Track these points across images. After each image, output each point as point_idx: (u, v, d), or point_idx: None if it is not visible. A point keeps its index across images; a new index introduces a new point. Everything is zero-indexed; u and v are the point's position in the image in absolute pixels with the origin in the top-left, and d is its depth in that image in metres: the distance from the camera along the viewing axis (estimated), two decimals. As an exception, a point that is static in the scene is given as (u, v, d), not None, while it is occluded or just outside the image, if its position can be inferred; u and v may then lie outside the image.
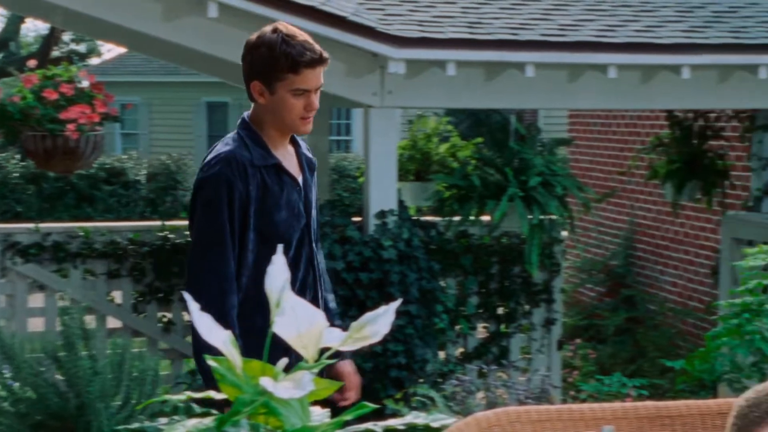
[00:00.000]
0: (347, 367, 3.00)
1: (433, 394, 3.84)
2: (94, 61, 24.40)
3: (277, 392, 1.30)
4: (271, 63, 2.66)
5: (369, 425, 1.60)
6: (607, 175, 10.07)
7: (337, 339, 1.56)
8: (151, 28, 5.08)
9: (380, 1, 5.45)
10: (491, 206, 5.34)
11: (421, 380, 5.08)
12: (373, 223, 5.22)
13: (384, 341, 5.01)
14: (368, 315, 1.59)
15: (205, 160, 2.78)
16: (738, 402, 2.23)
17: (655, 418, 2.46)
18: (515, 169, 5.43)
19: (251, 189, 2.70)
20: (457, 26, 5.21)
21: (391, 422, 1.66)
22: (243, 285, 2.75)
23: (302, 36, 2.71)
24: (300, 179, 2.83)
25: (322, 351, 1.44)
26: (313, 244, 2.85)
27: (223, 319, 2.65)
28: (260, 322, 2.66)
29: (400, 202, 5.65)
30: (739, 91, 5.62)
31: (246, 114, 2.82)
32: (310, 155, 2.93)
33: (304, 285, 2.82)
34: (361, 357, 5.00)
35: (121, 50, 19.37)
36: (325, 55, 2.71)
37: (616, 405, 2.49)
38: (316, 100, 2.71)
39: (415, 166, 6.48)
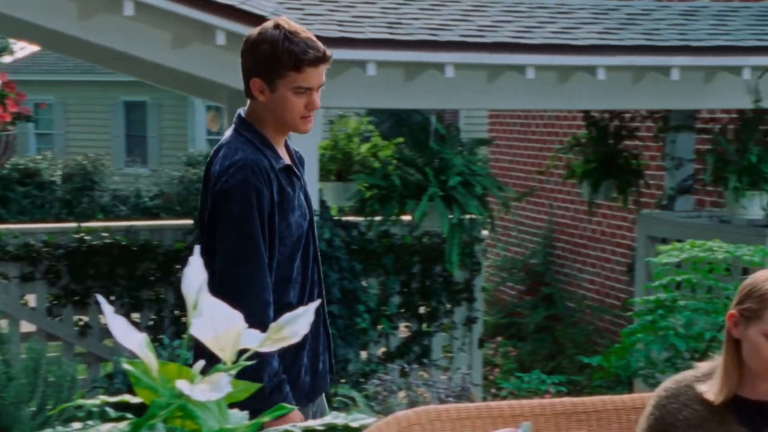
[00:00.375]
0: None
1: (354, 394, 3.84)
2: (5, 59, 23.83)
3: (193, 395, 1.29)
4: (273, 60, 2.58)
5: (288, 426, 1.59)
6: (527, 175, 10.20)
7: (255, 340, 1.55)
8: (66, 27, 4.98)
9: (300, 1, 5.43)
10: (412, 206, 5.37)
11: (343, 380, 5.07)
12: (293, 223, 5.20)
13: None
14: (287, 315, 1.58)
15: (218, 167, 2.64)
16: (657, 392, 2.29)
17: (571, 414, 2.50)
18: (435, 169, 5.46)
19: (274, 195, 2.63)
20: (376, 26, 5.22)
21: (310, 423, 1.66)
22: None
23: (305, 33, 2.63)
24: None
25: (242, 352, 1.43)
26: (317, 242, 2.81)
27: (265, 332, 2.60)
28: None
29: (322, 203, 5.64)
30: (652, 91, 5.75)
31: (241, 111, 2.72)
32: (296, 149, 2.88)
33: (312, 283, 2.76)
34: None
35: (35, 48, 18.94)
36: (329, 53, 2.63)
37: (534, 402, 2.52)
38: (317, 98, 2.65)
39: (336, 166, 6.47)
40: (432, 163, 5.51)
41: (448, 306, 6.39)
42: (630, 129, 7.37)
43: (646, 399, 2.56)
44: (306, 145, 5.26)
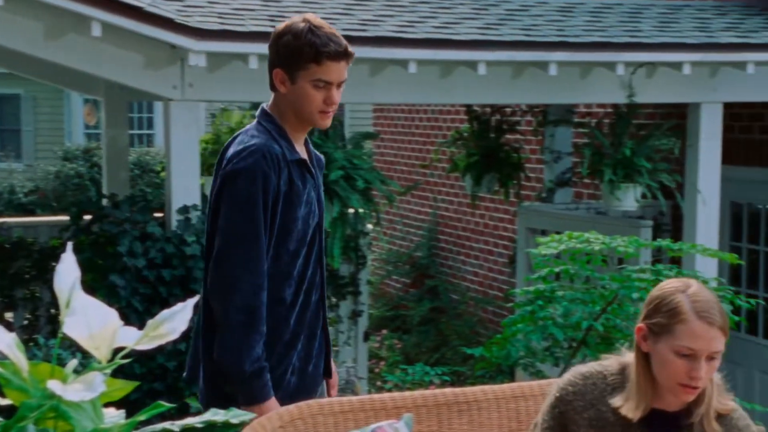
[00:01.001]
0: (333, 378, 2.96)
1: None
2: None
3: (66, 395, 1.25)
4: (295, 51, 2.60)
5: (166, 424, 1.57)
6: (411, 169, 10.28)
7: (132, 338, 1.52)
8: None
9: (180, -8, 5.34)
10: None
11: (227, 376, 5.02)
12: (175, 218, 5.11)
13: (188, 338, 4.92)
14: (165, 312, 1.56)
15: (231, 151, 2.65)
16: (561, 385, 2.23)
17: (453, 404, 2.53)
18: (318, 162, 5.45)
19: (281, 184, 2.62)
20: (258, 19, 5.18)
21: (190, 420, 1.63)
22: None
23: (330, 28, 2.66)
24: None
25: (117, 351, 1.40)
26: (323, 244, 2.80)
27: (253, 315, 2.57)
28: (272, 316, 2.64)
29: (204, 197, 5.56)
30: (531, 86, 5.86)
31: (265, 105, 2.73)
32: (318, 153, 2.87)
33: (312, 284, 2.75)
34: (164, 356, 4.89)
35: None
36: (351, 50, 2.65)
37: (417, 393, 2.54)
38: (336, 94, 2.64)
39: (219, 160, 6.39)
40: (315, 157, 5.50)
41: (334, 300, 6.39)
42: (511, 123, 7.51)
43: (525, 388, 2.62)
44: (186, 139, 5.20)
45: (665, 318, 2.12)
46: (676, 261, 6.06)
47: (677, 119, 6.70)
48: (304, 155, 2.71)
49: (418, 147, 10.47)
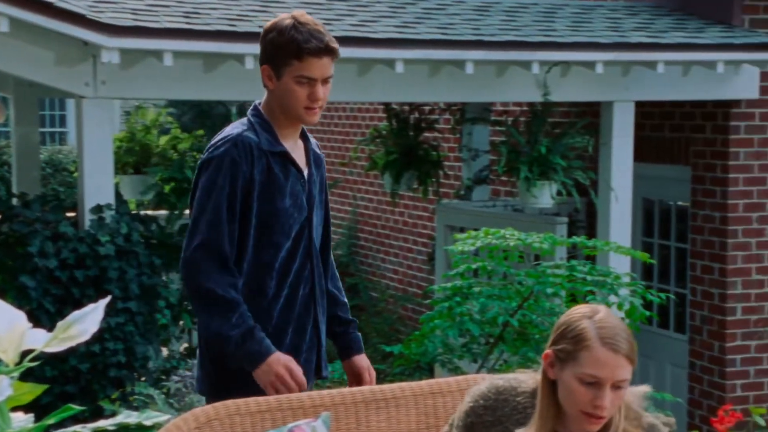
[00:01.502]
0: (363, 361, 2.95)
1: (152, 392, 3.75)
2: None
3: (-31, 400, 1.22)
4: (278, 48, 2.64)
5: (77, 427, 1.54)
6: (331, 167, 10.27)
7: (41, 340, 1.48)
8: None
9: (92, -12, 5.24)
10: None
11: (143, 379, 4.95)
12: (89, 218, 5.02)
13: (102, 340, 4.85)
14: (75, 313, 1.52)
15: (212, 142, 2.73)
16: (475, 396, 2.22)
17: (371, 401, 2.53)
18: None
19: (255, 173, 2.66)
20: (172, 16, 5.11)
21: (101, 423, 1.60)
22: (243, 270, 2.70)
23: (315, 25, 2.67)
24: (306, 173, 2.79)
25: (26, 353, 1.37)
26: (314, 239, 2.79)
27: (216, 293, 2.60)
28: (253, 308, 2.66)
29: (119, 196, 5.47)
30: (448, 84, 5.90)
31: (258, 101, 2.78)
32: (319, 152, 2.89)
33: (299, 277, 2.76)
34: (77, 358, 4.80)
35: None
36: (333, 45, 2.65)
37: (334, 392, 2.54)
38: (320, 90, 2.66)
39: (134, 158, 6.30)
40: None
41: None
42: (429, 121, 7.55)
43: (443, 384, 2.63)
44: (100, 137, 5.11)
45: (570, 344, 2.06)
46: (591, 257, 6.17)
47: (591, 117, 6.82)
48: (291, 149, 2.74)
49: (337, 145, 10.46)
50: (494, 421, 2.18)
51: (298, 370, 2.62)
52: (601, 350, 2.03)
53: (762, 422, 5.09)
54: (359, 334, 2.99)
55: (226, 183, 2.63)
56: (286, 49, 2.62)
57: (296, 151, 2.78)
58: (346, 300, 3.00)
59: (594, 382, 2.04)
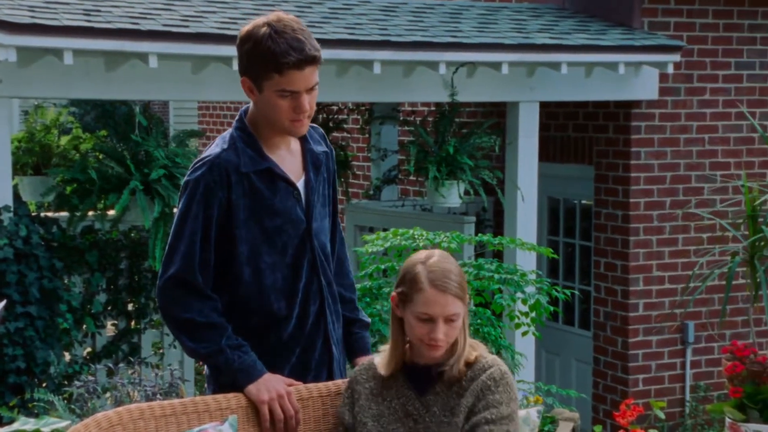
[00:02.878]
0: None
1: (52, 398, 3.65)
2: None
3: None
4: (256, 61, 2.44)
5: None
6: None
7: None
8: None
9: (-12, -17, 5.08)
10: (114, 200, 5.18)
11: (44, 384, 4.82)
12: (-14, 220, 4.86)
13: (1, 345, 4.70)
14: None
15: (194, 160, 2.58)
16: (357, 367, 2.56)
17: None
18: (138, 161, 5.30)
19: (234, 197, 2.51)
20: (73, 13, 4.99)
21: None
22: (244, 295, 2.56)
23: (293, 32, 2.44)
24: (301, 181, 2.62)
25: None
26: (317, 251, 2.62)
27: (206, 324, 2.50)
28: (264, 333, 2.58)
29: (17, 197, 5.32)
30: (356, 84, 5.90)
31: (244, 109, 2.61)
32: (319, 149, 2.67)
33: (307, 294, 2.62)
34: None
35: None
36: (314, 53, 2.44)
37: (240, 395, 2.50)
38: (306, 101, 2.47)
39: (34, 159, 6.13)
40: (136, 155, 5.35)
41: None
42: (337, 121, 7.54)
43: (341, 385, 2.63)
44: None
45: (407, 288, 2.39)
46: (498, 254, 6.24)
47: (497, 118, 6.90)
48: (280, 162, 2.58)
49: (245, 145, 10.36)
50: (368, 378, 2.49)
51: (296, 403, 2.49)
52: (431, 292, 2.36)
53: (662, 415, 5.22)
54: (366, 333, 2.82)
55: (200, 210, 2.50)
56: (263, 62, 2.43)
57: (288, 159, 2.61)
58: (354, 296, 2.84)
59: (428, 318, 2.37)
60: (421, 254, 2.43)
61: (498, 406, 2.35)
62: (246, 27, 2.52)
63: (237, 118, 2.63)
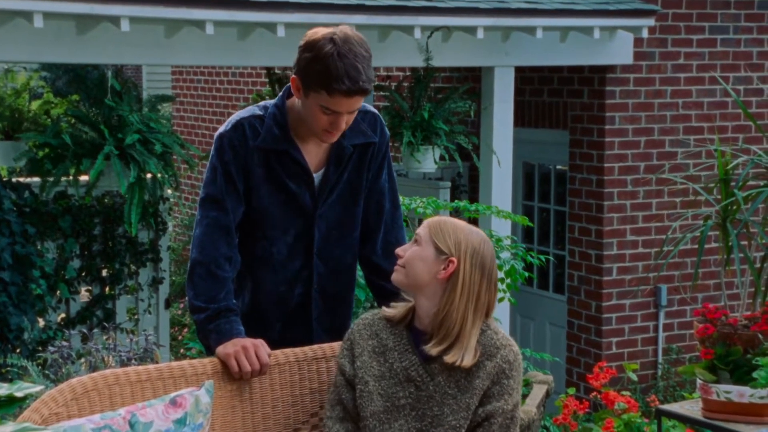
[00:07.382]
0: None
1: (26, 363, 3.64)
2: None
3: None
4: (311, 72, 2.50)
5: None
6: (212, 132, 10.10)
7: None
8: None
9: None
10: (87, 165, 5.14)
11: (18, 350, 4.79)
12: (-43, 186, 4.81)
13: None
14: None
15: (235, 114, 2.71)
16: (358, 322, 2.49)
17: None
18: (112, 126, 5.25)
19: (254, 159, 2.63)
20: (43, -25, 4.91)
21: (-32, 397, 1.54)
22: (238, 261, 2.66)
23: (354, 58, 2.48)
24: (319, 173, 2.67)
25: None
26: (316, 240, 2.68)
27: (210, 268, 2.57)
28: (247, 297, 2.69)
29: (-10, 164, 5.27)
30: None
31: (288, 86, 2.66)
32: (356, 141, 2.69)
33: (296, 278, 2.69)
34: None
35: None
36: (366, 86, 2.49)
37: (216, 360, 2.50)
38: (344, 121, 2.55)
39: (5, 124, 6.06)
40: (109, 120, 5.29)
41: (133, 267, 6.22)
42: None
43: (326, 348, 2.64)
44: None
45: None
46: (473, 220, 6.25)
47: (473, 83, 6.88)
48: (304, 150, 2.64)
49: (219, 110, 10.29)
50: (371, 334, 2.43)
51: (264, 354, 2.50)
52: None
53: (635, 377, 5.27)
54: None
55: (218, 164, 2.62)
56: (317, 78, 2.49)
57: (313, 149, 2.66)
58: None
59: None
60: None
61: (511, 393, 2.33)
62: (314, 34, 2.54)
63: (282, 92, 2.70)
